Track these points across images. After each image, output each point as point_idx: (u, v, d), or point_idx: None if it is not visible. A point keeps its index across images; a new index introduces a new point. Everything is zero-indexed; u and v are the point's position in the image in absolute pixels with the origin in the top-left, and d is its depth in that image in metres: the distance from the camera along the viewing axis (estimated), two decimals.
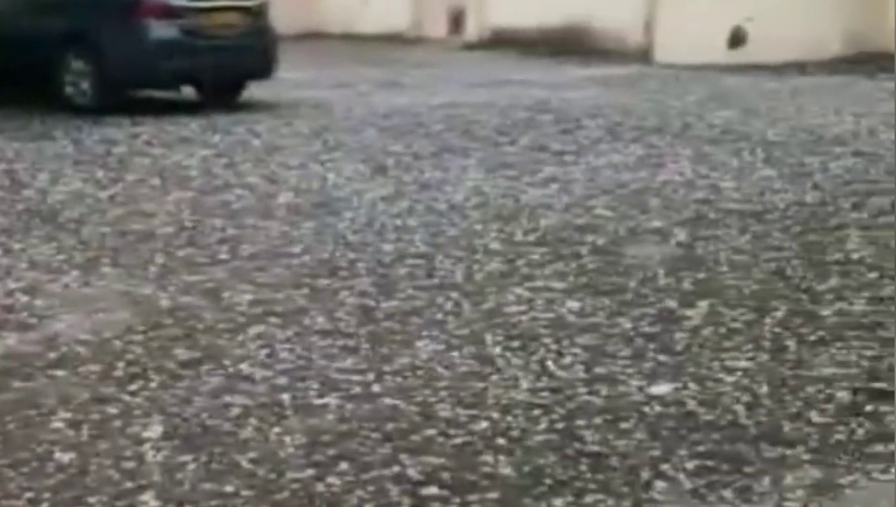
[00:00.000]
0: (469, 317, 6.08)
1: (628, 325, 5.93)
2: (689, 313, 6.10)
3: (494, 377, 5.23)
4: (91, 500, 4.12)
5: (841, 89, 15.13)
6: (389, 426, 4.70)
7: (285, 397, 5.01)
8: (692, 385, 5.12)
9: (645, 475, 4.29)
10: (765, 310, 6.13)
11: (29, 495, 4.15)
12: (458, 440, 4.58)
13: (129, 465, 4.38)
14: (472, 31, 20.38)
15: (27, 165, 9.92)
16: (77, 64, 12.84)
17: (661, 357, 5.47)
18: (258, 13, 13.58)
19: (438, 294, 6.46)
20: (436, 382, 5.19)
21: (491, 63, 17.95)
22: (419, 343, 5.69)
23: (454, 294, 6.46)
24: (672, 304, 6.26)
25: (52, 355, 5.54)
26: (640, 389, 5.09)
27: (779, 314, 6.06)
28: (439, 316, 6.09)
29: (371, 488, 4.21)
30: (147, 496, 4.14)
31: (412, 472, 4.32)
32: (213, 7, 13.17)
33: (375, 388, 5.12)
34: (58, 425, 4.73)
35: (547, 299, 6.35)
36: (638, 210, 8.43)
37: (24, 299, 6.41)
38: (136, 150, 10.75)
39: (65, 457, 4.44)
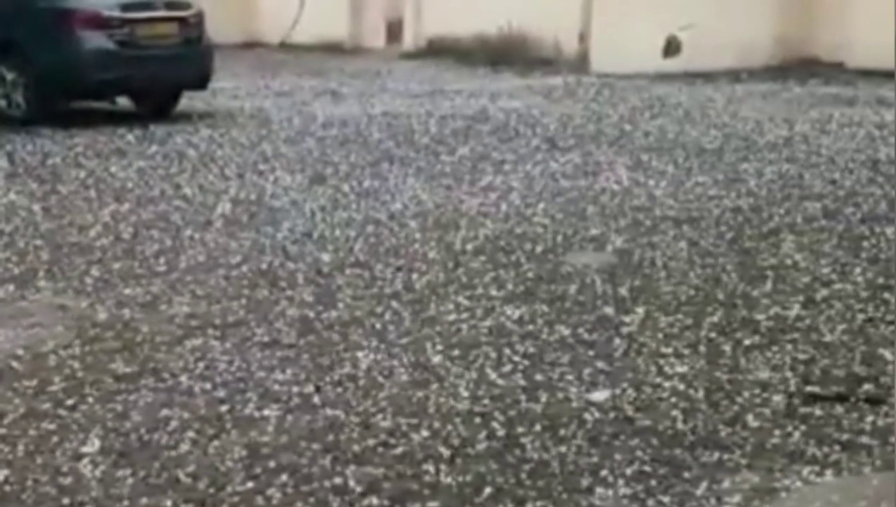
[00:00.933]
0: (409, 326, 6.09)
1: (567, 332, 5.97)
2: (626, 319, 6.16)
3: (435, 386, 5.25)
4: None
5: (773, 96, 15.34)
6: (329, 437, 4.70)
7: (224, 409, 4.99)
8: (630, 391, 5.16)
9: (585, 481, 4.32)
10: (701, 315, 6.20)
11: None
12: (399, 450, 4.59)
13: (67, 481, 4.34)
14: (409, 40, 20.39)
15: None
16: (10, 75, 12.68)
17: (600, 364, 5.51)
18: (193, 23, 13.49)
19: (378, 304, 6.46)
20: (376, 392, 5.19)
21: (429, 72, 17.98)
22: (359, 353, 5.69)
23: (394, 303, 6.46)
24: (610, 311, 6.31)
25: None
26: (579, 396, 5.12)
27: (715, 319, 6.13)
28: (379, 326, 6.10)
29: (311, 499, 4.20)
30: None
31: (353, 483, 4.32)
32: (147, 17, 13.07)
33: (315, 399, 5.11)
34: None
35: (486, 308, 6.38)
36: (575, 218, 8.49)
37: None
38: (70, 161, 10.64)
39: (0, 473, 4.39)
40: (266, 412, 4.95)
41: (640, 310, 6.29)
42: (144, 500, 4.19)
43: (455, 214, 8.65)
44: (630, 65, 16.79)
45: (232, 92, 15.20)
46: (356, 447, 4.61)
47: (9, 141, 11.53)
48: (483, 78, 17.32)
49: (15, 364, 5.55)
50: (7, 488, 4.29)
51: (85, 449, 4.60)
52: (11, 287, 6.81)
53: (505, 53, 18.50)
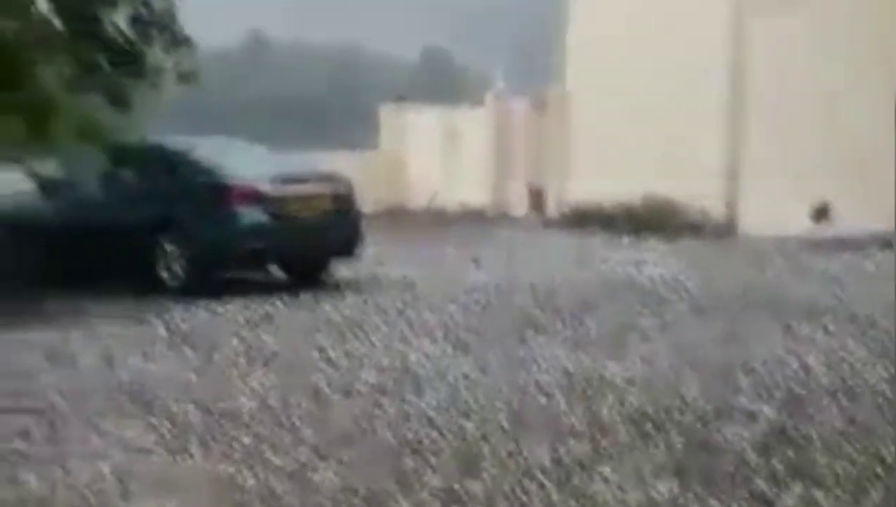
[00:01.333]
0: (555, 499, 6.00)
1: None
2: (782, 495, 5.97)
3: None
4: None
5: None
6: None
7: None
8: None
9: None
10: (861, 493, 5.97)
11: None
12: None
13: None
14: (552, 207, 20.59)
15: (120, 346, 10.10)
16: (170, 247, 13.15)
17: None
18: (344, 194, 13.87)
19: (524, 475, 6.39)
20: None
21: (573, 239, 18.07)
22: None
23: (539, 475, 6.38)
24: (764, 486, 6.13)
25: None
26: None
27: (875, 497, 5.91)
28: (525, 498, 6.02)
29: None
30: None
31: None
32: (300, 190, 13.48)
33: None
34: None
35: (635, 481, 6.25)
36: (726, 388, 8.33)
37: (114, 480, 6.44)
38: (224, 329, 10.90)
39: None
40: None
41: (797, 486, 6.10)
42: None
43: (601, 382, 8.58)
44: (778, 229, 16.64)
45: (378, 259, 15.47)
46: None
47: (167, 310, 11.88)
48: (627, 245, 17.33)
49: None
50: None
51: None
52: (165, 454, 6.93)
53: (649, 220, 18.54)
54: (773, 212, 16.72)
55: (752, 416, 7.59)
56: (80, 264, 13.49)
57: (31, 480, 6.44)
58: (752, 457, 6.64)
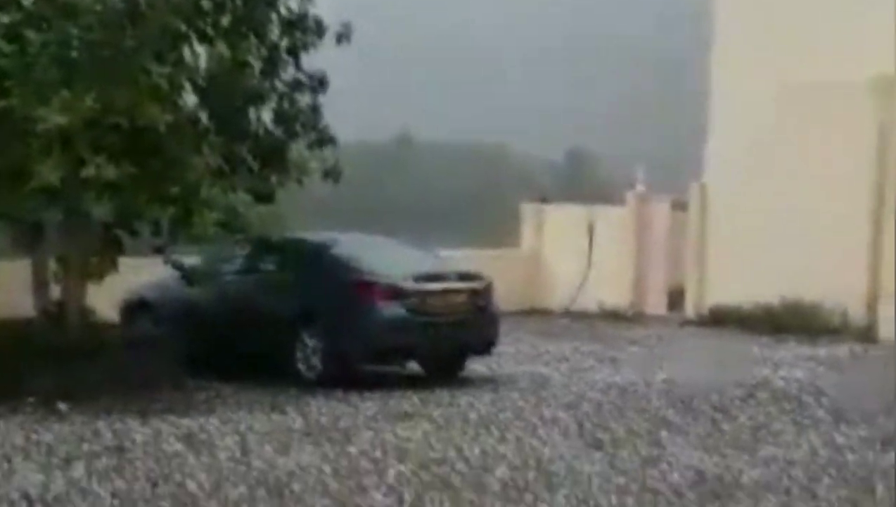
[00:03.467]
0: None
1: None
2: None
3: None
4: None
5: None
6: None
7: None
8: None
9: None
10: None
11: None
12: None
13: None
14: (690, 308, 20.46)
15: (258, 437, 10.34)
16: (311, 341, 13.44)
17: None
18: (482, 293, 14.02)
19: None
20: None
21: (710, 340, 17.92)
22: None
23: None
24: None
25: None
26: None
27: None
28: None
29: None
30: None
31: None
32: (440, 289, 13.69)
33: None
34: None
35: None
36: (864, 495, 8.19)
37: None
38: (360, 423, 11.08)
39: None
40: None
41: None
42: None
43: (734, 485, 8.51)
44: None
45: (514, 357, 15.55)
46: None
47: (305, 403, 12.12)
48: (765, 347, 17.11)
49: None
50: None
51: None
52: None
53: (788, 322, 18.28)
54: None
55: None
56: (221, 352, 13.85)
57: None
58: None
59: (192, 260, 14.28)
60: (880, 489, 8.43)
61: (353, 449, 9.88)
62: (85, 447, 9.81)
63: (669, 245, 21.44)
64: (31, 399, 11.59)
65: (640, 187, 22.09)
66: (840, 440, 10.19)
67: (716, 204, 20.27)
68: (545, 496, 8.19)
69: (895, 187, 17.85)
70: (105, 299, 13.79)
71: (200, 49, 12.87)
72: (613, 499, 8.10)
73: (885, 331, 17.11)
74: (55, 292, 13.25)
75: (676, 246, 21.17)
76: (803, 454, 9.60)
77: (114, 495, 8.23)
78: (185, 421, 10.96)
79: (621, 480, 8.69)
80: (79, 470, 8.95)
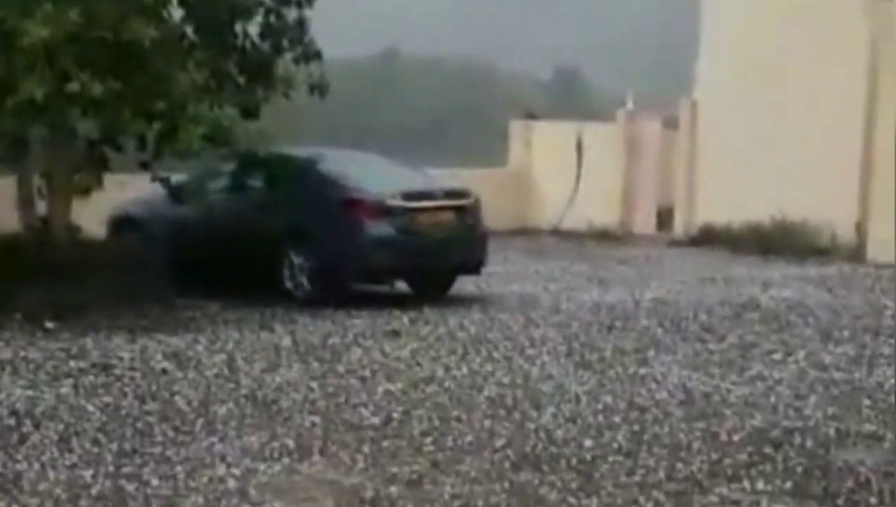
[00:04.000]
0: None
1: None
2: None
3: None
4: None
5: None
6: None
7: None
8: None
9: None
10: None
11: None
12: None
13: None
14: (679, 227, 20.44)
15: (246, 355, 10.33)
16: (297, 259, 13.37)
17: None
18: (470, 211, 13.95)
19: (640, 493, 6.41)
20: None
21: (699, 260, 17.93)
22: None
23: (656, 493, 6.40)
24: None
25: None
26: None
27: None
28: None
29: None
30: None
31: None
32: (427, 206, 13.60)
33: None
34: None
35: (752, 502, 6.23)
36: (849, 412, 8.22)
37: (236, 485, 6.63)
38: (348, 342, 11.07)
39: None
40: None
41: None
42: None
43: (721, 403, 8.53)
44: None
45: (503, 276, 15.54)
46: None
47: (293, 321, 12.11)
48: (754, 266, 17.13)
49: None
50: None
51: None
52: (287, 461, 7.10)
53: (777, 242, 18.28)
54: None
55: (876, 440, 7.49)
56: (208, 270, 13.79)
57: (153, 480, 6.67)
58: (874, 482, 6.55)
59: (178, 177, 14.16)
60: (865, 403, 8.46)
61: (341, 367, 9.88)
62: (72, 363, 9.80)
63: (659, 164, 21.37)
64: (17, 316, 11.56)
65: (630, 105, 21.96)
66: (827, 359, 10.22)
67: (706, 122, 20.16)
68: (532, 415, 8.21)
69: (887, 106, 17.72)
70: (91, 215, 13.70)
71: None
72: (601, 418, 8.12)
73: (873, 253, 17.11)
74: (42, 209, 13.16)
75: (666, 165, 21.10)
76: (791, 372, 9.63)
77: (102, 411, 8.22)
78: (173, 339, 10.94)
79: (609, 398, 8.70)
80: (66, 387, 8.94)
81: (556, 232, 21.29)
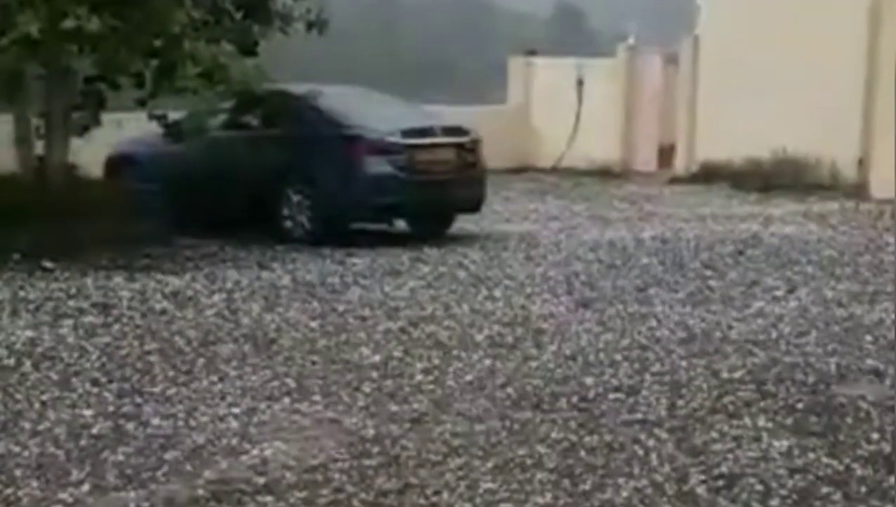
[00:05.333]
0: (672, 454, 5.99)
1: (839, 467, 5.74)
2: None
3: None
4: None
5: None
6: None
7: None
8: None
9: None
10: None
11: None
12: None
13: None
14: (681, 164, 20.33)
15: (245, 294, 10.30)
16: (295, 197, 13.30)
17: (875, 503, 5.27)
18: (470, 149, 13.86)
19: (641, 430, 6.40)
20: None
21: (700, 196, 17.86)
22: (620, 480, 5.63)
23: (657, 431, 6.38)
24: (886, 447, 6.04)
25: (261, 480, 5.70)
26: None
27: None
28: (642, 453, 6.03)
29: None
30: None
31: None
32: (426, 143, 13.50)
33: None
34: None
35: (753, 438, 6.22)
36: (850, 348, 8.20)
37: (236, 424, 6.62)
38: (348, 281, 11.04)
39: None
40: None
41: None
42: None
43: (723, 340, 8.51)
44: None
45: (503, 215, 15.48)
46: None
47: (292, 260, 12.07)
48: (756, 203, 17.07)
49: (287, 475, 5.75)
50: None
51: None
52: (287, 401, 7.08)
53: (779, 178, 18.20)
54: None
55: (877, 376, 7.47)
56: (206, 209, 13.71)
57: (154, 419, 6.65)
58: (875, 417, 6.54)
59: (176, 115, 14.04)
60: (866, 339, 8.44)
61: (340, 306, 9.85)
62: (72, 303, 9.77)
63: (660, 100, 21.22)
64: (15, 256, 11.51)
65: (631, 41, 21.77)
66: (829, 295, 10.19)
67: (708, 58, 19.98)
68: (533, 353, 8.19)
69: (889, 41, 17.57)
70: (89, 154, 13.61)
71: None
72: (602, 356, 8.10)
73: (875, 189, 17.03)
74: (39, 149, 13.07)
75: (667, 101, 20.95)
76: (792, 309, 9.60)
77: (101, 350, 8.20)
78: (172, 278, 10.91)
79: (609, 336, 8.68)
80: (66, 326, 8.91)
81: (557, 170, 21.19)
